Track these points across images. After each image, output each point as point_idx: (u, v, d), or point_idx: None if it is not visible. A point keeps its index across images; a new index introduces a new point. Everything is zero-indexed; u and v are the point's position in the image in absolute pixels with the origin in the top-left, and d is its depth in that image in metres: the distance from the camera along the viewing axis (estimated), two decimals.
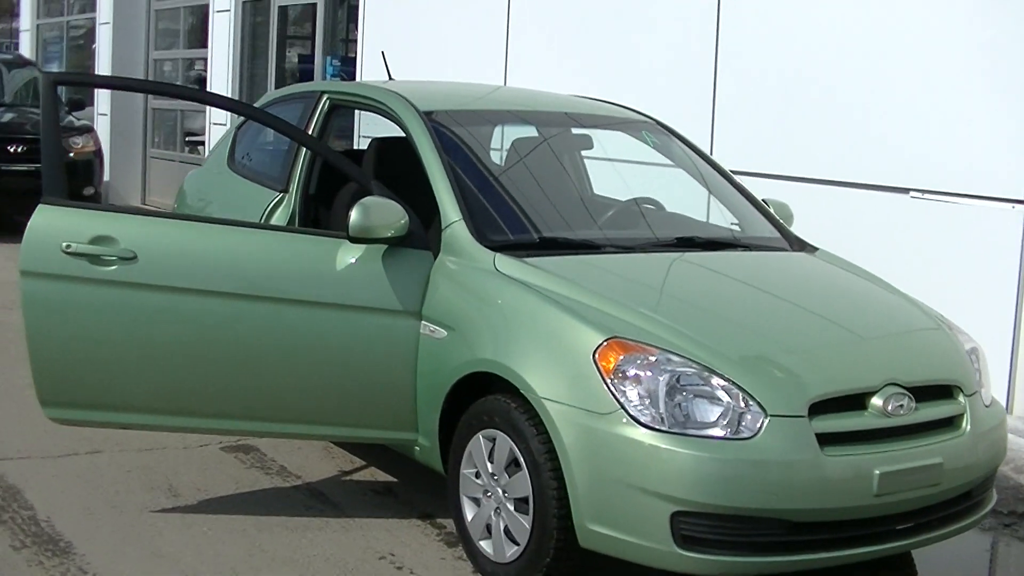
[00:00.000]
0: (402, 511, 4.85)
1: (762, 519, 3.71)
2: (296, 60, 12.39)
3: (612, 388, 3.77)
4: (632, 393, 3.76)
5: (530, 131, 5.34)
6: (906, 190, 6.14)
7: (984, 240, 5.77)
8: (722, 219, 5.27)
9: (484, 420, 4.17)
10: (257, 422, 4.58)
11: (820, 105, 6.59)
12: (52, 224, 4.43)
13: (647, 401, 3.74)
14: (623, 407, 3.74)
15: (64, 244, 4.40)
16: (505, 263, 4.31)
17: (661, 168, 5.46)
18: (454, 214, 4.52)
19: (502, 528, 4.12)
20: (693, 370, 3.78)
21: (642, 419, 3.73)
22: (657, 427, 3.71)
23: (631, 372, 3.78)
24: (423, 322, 4.43)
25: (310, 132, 5.48)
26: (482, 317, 4.23)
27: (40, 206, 4.46)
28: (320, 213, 5.57)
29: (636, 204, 5.25)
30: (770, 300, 4.39)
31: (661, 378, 3.76)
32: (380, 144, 5.49)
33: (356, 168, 4.67)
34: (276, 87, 11.77)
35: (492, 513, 4.17)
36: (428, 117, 4.90)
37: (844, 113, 6.44)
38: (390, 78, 6.22)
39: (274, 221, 5.43)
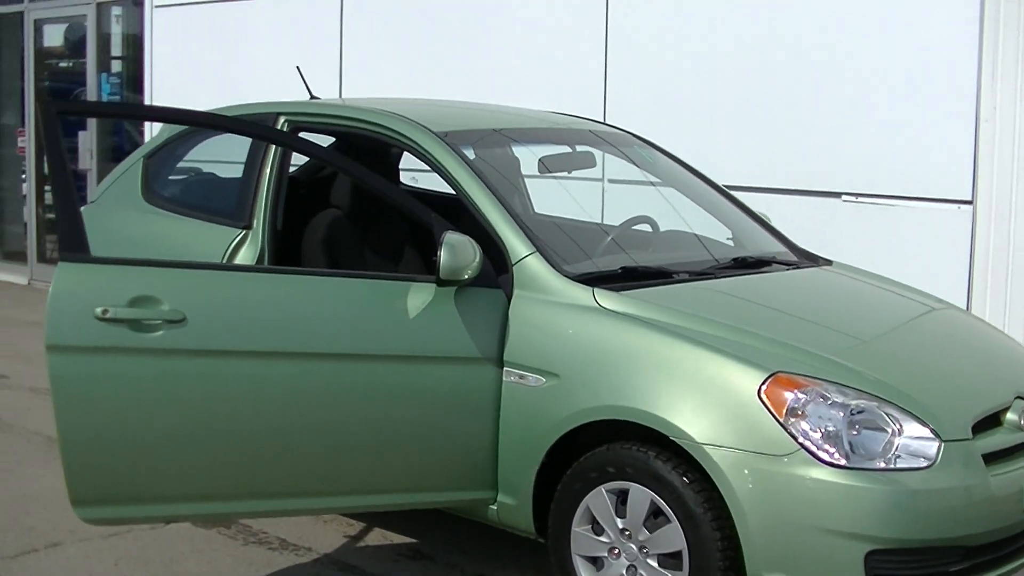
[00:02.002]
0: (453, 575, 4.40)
1: (945, 548, 3.58)
2: (62, 78, 11.18)
3: (787, 427, 3.52)
4: (810, 431, 3.52)
5: (546, 150, 4.97)
6: (838, 194, 6.22)
7: (932, 242, 5.91)
8: (720, 235, 5.11)
9: (609, 472, 3.80)
10: (324, 498, 4.00)
11: (741, 110, 6.55)
12: (80, 286, 3.69)
13: (828, 438, 3.52)
14: (803, 447, 3.50)
15: (99, 310, 3.67)
16: (606, 298, 3.96)
17: (651, 186, 5.23)
18: (524, 247, 4.11)
19: None
20: (867, 402, 3.59)
21: (825, 458, 3.50)
22: (842, 465, 3.49)
23: (806, 409, 3.55)
24: (506, 369, 4.01)
25: (269, 162, 4.88)
26: (596, 360, 3.85)
27: (61, 265, 3.70)
28: (288, 249, 4.97)
29: (644, 223, 5.00)
30: (877, 322, 4.28)
31: (840, 413, 3.54)
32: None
33: (420, 205, 4.16)
34: (35, 105, 10.63)
35: (623, 572, 3.81)
36: (445, 140, 4.45)
37: (772, 118, 6.42)
38: (312, 96, 5.65)
39: (239, 260, 4.80)
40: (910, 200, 5.96)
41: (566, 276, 4.04)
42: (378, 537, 4.75)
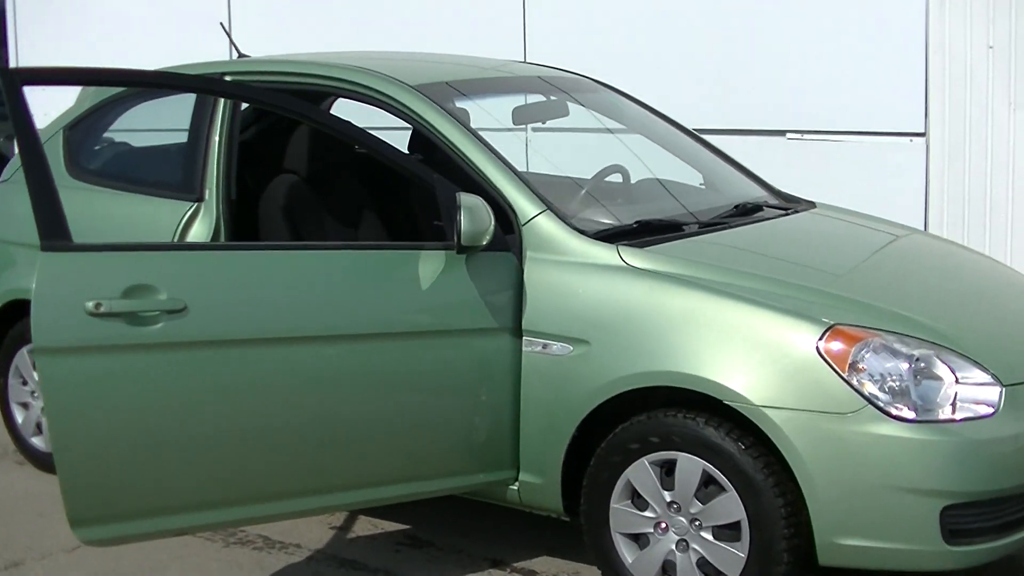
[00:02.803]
0: (467, 564, 4.09)
1: (1017, 496, 3.45)
2: None
3: (851, 383, 3.32)
4: (874, 385, 3.33)
5: (519, 100, 4.63)
6: (783, 132, 6.07)
7: (885, 177, 5.81)
8: (693, 181, 4.88)
9: (652, 442, 3.55)
10: (342, 494, 3.64)
11: (677, 48, 6.31)
12: (68, 278, 3.23)
13: (895, 392, 3.33)
14: (871, 402, 3.31)
15: (91, 304, 3.22)
16: (633, 255, 3.68)
17: (618, 134, 4.95)
18: (533, 206, 3.79)
19: (694, 562, 3.55)
20: (926, 350, 3.41)
21: (894, 412, 3.31)
22: (911, 419, 3.31)
23: (868, 362, 3.35)
24: (526, 338, 3.70)
25: (218, 127, 4.44)
26: (631, 324, 3.57)
27: (44, 256, 3.23)
28: (243, 222, 4.53)
29: (616, 172, 4.72)
30: (908, 268, 4.12)
31: (904, 364, 3.35)
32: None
33: (422, 166, 3.79)
34: None
35: (673, 547, 3.58)
36: (425, 95, 4.08)
37: (712, 56, 6.21)
38: (240, 54, 5.18)
39: (192, 236, 4.37)
40: (860, 135, 5.86)
41: (583, 234, 3.75)
42: (367, 526, 4.40)
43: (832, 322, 3.40)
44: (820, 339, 3.36)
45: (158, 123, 4.99)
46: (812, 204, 4.75)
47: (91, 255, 3.29)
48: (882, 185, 5.80)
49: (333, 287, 3.54)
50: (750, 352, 3.43)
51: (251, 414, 3.42)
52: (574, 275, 3.69)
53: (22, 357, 4.98)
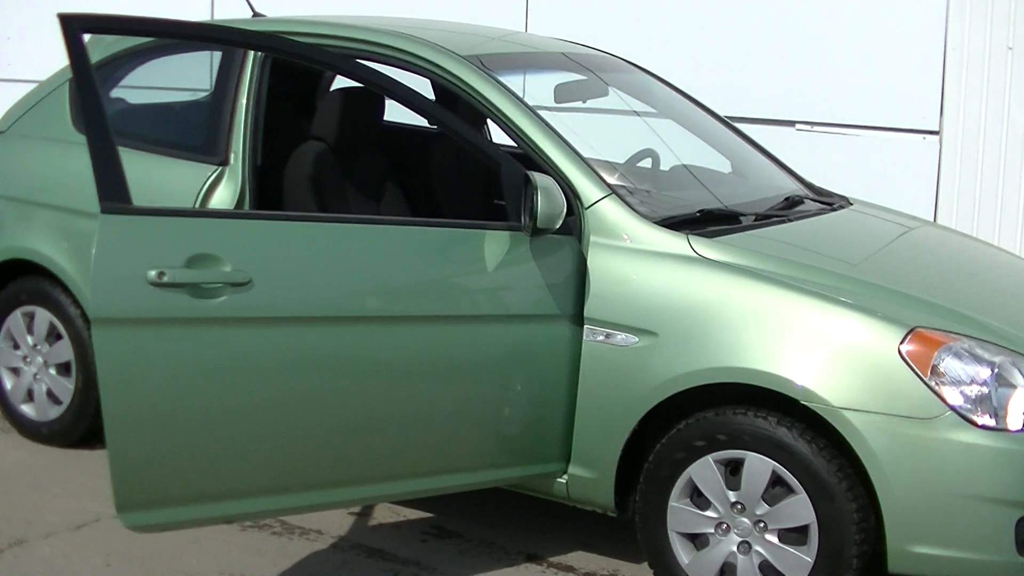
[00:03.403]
0: (502, 557, 3.94)
1: None
2: None
3: (933, 388, 3.24)
4: (955, 391, 3.24)
5: (563, 77, 4.46)
6: (792, 123, 5.99)
7: (896, 173, 5.76)
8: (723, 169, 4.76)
9: (719, 440, 3.43)
10: (395, 483, 3.47)
11: (691, 37, 6.18)
12: (130, 244, 3.00)
13: (976, 398, 3.25)
14: (954, 409, 3.23)
15: (154, 273, 3.00)
16: (704, 245, 3.55)
17: (645, 117, 4.81)
18: (597, 189, 3.64)
19: (756, 565, 3.45)
20: (1005, 357, 3.33)
21: (976, 419, 3.23)
22: (992, 426, 3.24)
23: (949, 366, 3.27)
24: (588, 327, 3.56)
25: (245, 87, 4.23)
26: (703, 317, 3.44)
27: (104, 219, 2.99)
28: (268, 188, 4.32)
29: (647, 157, 4.60)
30: (968, 270, 4.05)
31: (986, 371, 3.28)
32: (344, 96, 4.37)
33: (495, 147, 3.63)
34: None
35: (735, 549, 3.48)
36: (482, 67, 3.91)
37: (729, 46, 6.09)
38: (254, 12, 4.94)
39: (216, 202, 4.16)
40: (873, 130, 5.79)
41: (650, 221, 3.62)
42: (388, 514, 4.23)
43: (914, 324, 3.31)
44: (902, 341, 3.27)
45: (175, 80, 4.75)
46: (847, 199, 4.66)
47: (153, 220, 3.07)
48: (891, 181, 5.74)
49: (400, 265, 3.36)
50: (828, 352, 3.32)
51: (310, 397, 3.23)
52: (641, 263, 3.55)
53: (15, 319, 4.70)
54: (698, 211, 3.79)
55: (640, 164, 4.63)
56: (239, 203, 4.17)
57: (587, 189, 3.64)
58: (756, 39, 6.01)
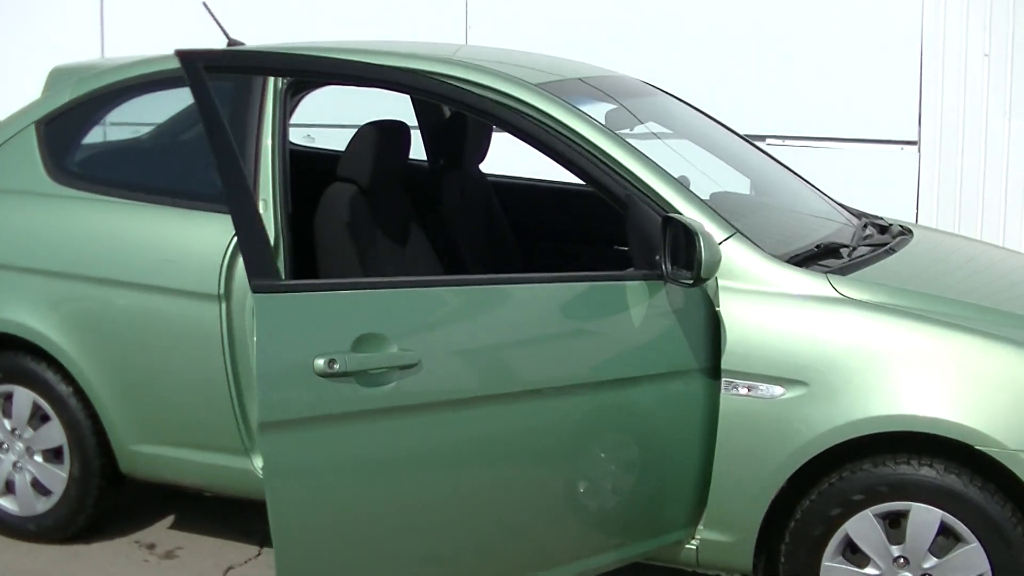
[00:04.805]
0: None
1: None
2: None
3: None
4: None
5: (607, 107, 4.13)
6: (763, 137, 5.83)
7: (874, 185, 5.67)
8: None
9: (880, 492, 3.20)
10: (554, 570, 3.10)
11: (660, 49, 5.95)
12: (289, 328, 2.54)
13: None
14: None
15: (322, 361, 2.54)
16: (845, 285, 3.31)
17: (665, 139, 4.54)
18: (720, 228, 3.35)
19: None
20: None
21: None
22: None
23: None
24: (726, 379, 3.27)
25: (268, 124, 3.76)
26: (857, 362, 3.17)
27: (260, 299, 2.51)
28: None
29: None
30: None
31: None
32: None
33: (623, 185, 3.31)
34: None
35: None
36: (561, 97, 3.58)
37: (702, 57, 5.89)
38: (228, 40, 4.43)
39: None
40: (850, 142, 5.71)
41: (780, 260, 3.36)
42: None
43: None
44: None
45: (168, 116, 4.21)
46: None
47: (310, 297, 2.60)
48: (871, 194, 5.64)
49: (555, 327, 3.01)
50: (995, 391, 3.13)
51: (482, 485, 2.85)
52: (781, 307, 3.28)
53: None
54: (816, 245, 3.56)
55: None
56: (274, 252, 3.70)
57: (710, 229, 3.35)
58: (726, 52, 5.84)
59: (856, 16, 5.62)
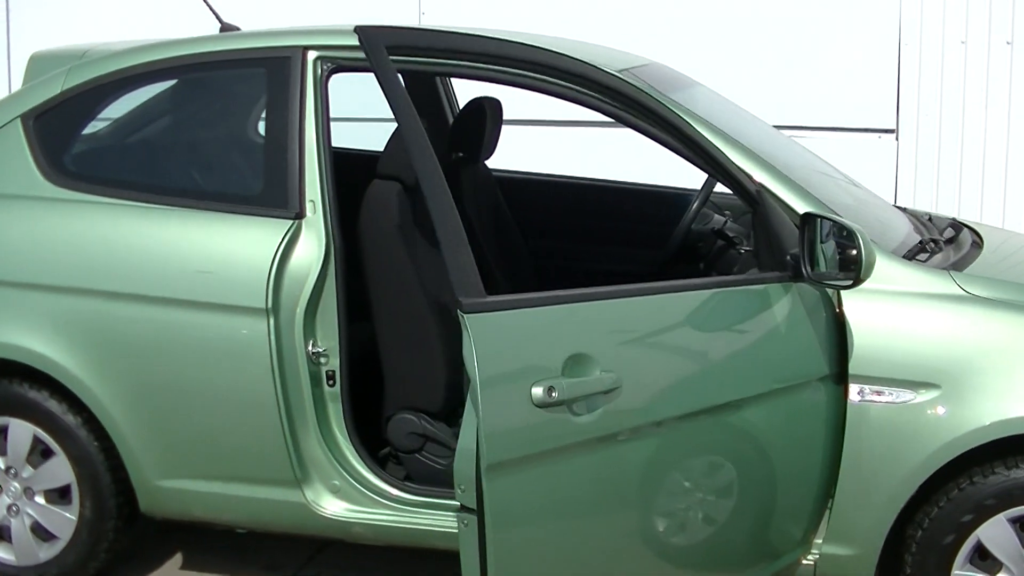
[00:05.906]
0: None
1: None
2: None
3: None
4: None
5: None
6: None
7: (850, 174, 5.58)
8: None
9: (1015, 496, 3.06)
10: None
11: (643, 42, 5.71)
12: (505, 353, 2.20)
13: None
14: None
15: (540, 390, 2.22)
16: (969, 282, 3.15)
17: None
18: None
19: None
20: None
21: None
22: None
23: None
24: (854, 385, 3.07)
25: (311, 120, 3.40)
26: (991, 362, 3.03)
27: (472, 319, 2.16)
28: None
29: None
30: None
31: None
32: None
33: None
34: None
35: None
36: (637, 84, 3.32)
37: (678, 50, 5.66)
38: (222, 24, 4.02)
39: (296, 268, 3.36)
40: (826, 131, 5.60)
41: (900, 257, 3.19)
42: None
43: None
44: None
45: (179, 109, 3.77)
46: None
47: (516, 315, 2.27)
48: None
49: (726, 337, 2.77)
50: None
51: (677, 509, 2.61)
52: (907, 307, 3.11)
53: None
54: (919, 240, 3.40)
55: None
56: (324, 266, 3.34)
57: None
58: (701, 41, 5.67)
59: (834, 5, 5.53)
